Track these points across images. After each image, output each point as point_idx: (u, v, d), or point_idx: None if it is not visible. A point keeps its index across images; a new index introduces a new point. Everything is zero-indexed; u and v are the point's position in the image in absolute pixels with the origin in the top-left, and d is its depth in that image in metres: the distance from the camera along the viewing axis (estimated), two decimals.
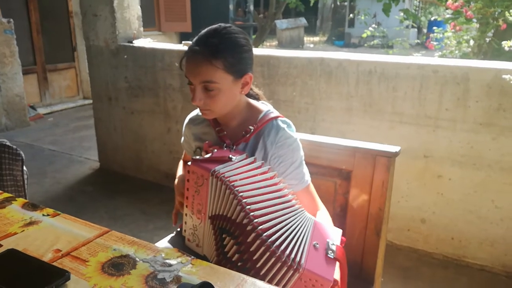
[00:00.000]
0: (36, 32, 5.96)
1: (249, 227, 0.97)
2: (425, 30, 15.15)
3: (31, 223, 1.04)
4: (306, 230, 1.01)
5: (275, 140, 1.18)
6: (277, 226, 0.98)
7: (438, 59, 2.43)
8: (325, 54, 2.52)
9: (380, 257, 1.35)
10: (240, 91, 1.18)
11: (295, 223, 1.01)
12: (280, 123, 1.21)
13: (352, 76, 2.39)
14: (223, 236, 1.04)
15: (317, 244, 0.99)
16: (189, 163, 1.07)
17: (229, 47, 1.12)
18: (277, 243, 0.95)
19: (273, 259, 0.94)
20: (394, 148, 1.28)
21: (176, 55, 3.07)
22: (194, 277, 0.84)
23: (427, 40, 5.93)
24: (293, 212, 1.04)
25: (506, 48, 3.53)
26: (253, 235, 0.96)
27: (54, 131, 5.07)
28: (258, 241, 0.96)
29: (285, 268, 0.93)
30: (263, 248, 0.95)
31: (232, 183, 1.01)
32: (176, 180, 1.30)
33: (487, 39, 4.67)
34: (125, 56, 3.30)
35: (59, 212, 1.10)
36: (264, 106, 1.28)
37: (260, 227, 0.96)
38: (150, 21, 7.66)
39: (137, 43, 3.31)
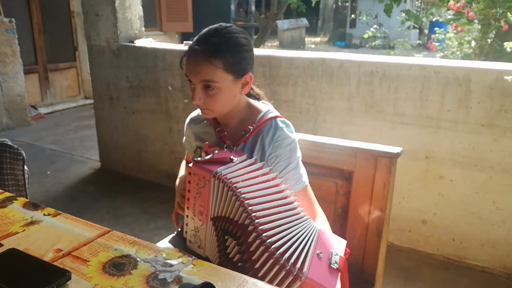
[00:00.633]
0: (37, 32, 5.96)
1: (250, 227, 0.97)
2: (426, 31, 15.14)
3: (32, 223, 1.04)
4: (310, 238, 1.00)
5: (273, 140, 1.18)
6: (278, 228, 0.98)
7: (440, 60, 2.43)
8: (327, 55, 2.52)
9: (381, 258, 1.34)
10: (240, 90, 1.18)
11: (298, 229, 1.00)
12: (279, 123, 1.21)
13: (353, 76, 2.39)
14: (226, 237, 1.03)
15: (321, 253, 0.97)
16: (190, 164, 1.07)
17: (229, 47, 1.12)
18: (277, 245, 0.94)
19: (271, 261, 0.93)
20: (395, 149, 1.27)
21: (177, 55, 3.07)
22: (195, 278, 0.83)
23: (429, 41, 5.93)
24: (298, 219, 1.03)
25: (508, 49, 3.52)
26: (253, 235, 0.96)
27: (55, 131, 5.07)
28: (258, 241, 0.95)
29: (283, 273, 0.93)
30: (262, 248, 0.95)
31: (234, 185, 1.00)
32: (178, 181, 1.30)
33: (489, 40, 4.66)
34: (127, 56, 3.31)
35: (60, 212, 1.10)
36: (264, 106, 1.28)
37: (261, 227, 0.96)
38: (152, 21, 7.66)
39: (138, 43, 3.31)
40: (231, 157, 1.08)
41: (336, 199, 1.38)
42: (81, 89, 6.73)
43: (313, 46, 17.00)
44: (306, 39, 17.18)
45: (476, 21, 4.55)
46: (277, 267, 0.93)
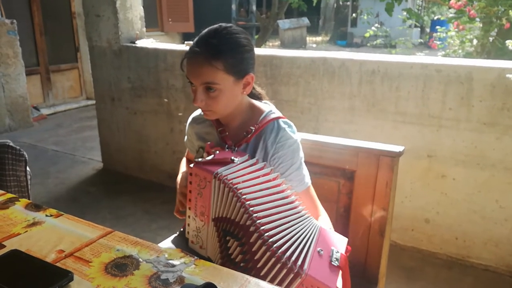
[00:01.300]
0: (39, 33, 5.97)
1: (252, 228, 0.97)
2: (428, 30, 15.12)
3: (34, 224, 1.04)
4: (311, 235, 1.00)
5: (275, 141, 1.18)
6: (279, 228, 0.98)
7: (442, 59, 2.43)
8: (328, 54, 2.52)
9: (384, 257, 1.34)
10: (242, 91, 1.18)
11: (299, 227, 1.01)
12: (281, 123, 1.21)
13: (355, 76, 2.38)
14: (227, 238, 1.03)
15: (322, 250, 0.98)
16: (192, 165, 1.07)
17: (229, 48, 1.12)
18: (278, 244, 0.95)
19: (273, 260, 0.94)
20: (398, 148, 1.27)
21: (178, 56, 3.07)
22: (197, 278, 0.83)
23: (430, 39, 5.92)
24: (299, 217, 1.03)
25: (510, 47, 3.52)
26: (255, 235, 0.96)
27: (57, 132, 5.08)
28: (259, 241, 0.95)
29: (284, 271, 0.93)
30: (264, 248, 0.95)
31: (235, 186, 1.00)
32: (179, 176, 1.29)
33: (491, 38, 4.65)
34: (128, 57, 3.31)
35: (62, 213, 1.10)
36: (266, 106, 1.27)
37: (263, 227, 0.96)
38: (153, 21, 7.67)
39: (139, 43, 3.31)
40: (232, 157, 1.08)
41: (338, 198, 1.38)
42: (83, 90, 6.74)
43: (314, 45, 16.99)
44: (307, 38, 17.17)
45: (477, 19, 4.54)
46: (279, 265, 0.93)
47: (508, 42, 3.85)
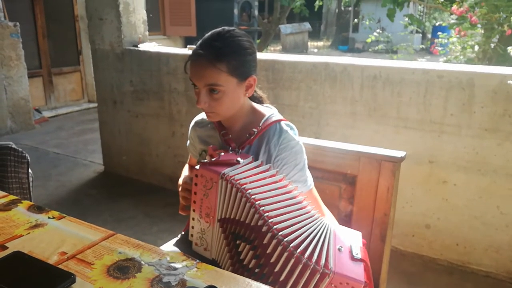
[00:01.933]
0: (42, 36, 6.00)
1: (264, 228, 0.95)
2: (429, 36, 15.15)
3: (36, 226, 1.04)
4: (327, 233, 0.99)
5: (278, 143, 1.19)
6: (293, 227, 0.96)
7: (443, 64, 2.43)
8: (330, 59, 2.52)
9: (385, 263, 1.34)
10: (245, 93, 1.19)
11: (312, 226, 0.99)
12: (283, 126, 1.23)
13: (356, 81, 2.39)
14: (237, 242, 1.02)
15: (341, 247, 0.96)
16: (197, 166, 1.07)
17: (232, 50, 1.13)
18: (295, 243, 0.92)
19: (292, 261, 0.91)
20: (399, 153, 1.27)
21: (181, 59, 3.09)
22: (199, 281, 0.84)
23: (432, 45, 5.94)
24: (310, 217, 1.01)
25: (511, 54, 3.52)
26: (269, 235, 0.94)
27: (59, 134, 5.09)
28: (274, 242, 0.93)
29: (308, 272, 0.91)
30: (280, 248, 0.92)
31: (243, 186, 1.00)
32: (183, 178, 1.29)
33: (492, 45, 4.66)
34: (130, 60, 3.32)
35: (65, 215, 1.10)
36: (268, 109, 1.29)
37: (275, 226, 0.94)
38: (155, 25, 7.69)
39: (142, 47, 3.32)
40: (238, 158, 1.08)
41: (339, 203, 1.38)
42: (84, 92, 6.76)
43: (316, 50, 17.02)
44: (309, 43, 17.21)
45: (479, 25, 4.55)
46: (300, 266, 0.91)
47: (509, 48, 3.86)
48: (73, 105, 6.50)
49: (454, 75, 2.15)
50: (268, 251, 0.94)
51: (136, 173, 3.62)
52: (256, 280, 0.84)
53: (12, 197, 1.21)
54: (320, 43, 19.11)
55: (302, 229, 0.97)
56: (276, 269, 0.93)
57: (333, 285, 0.90)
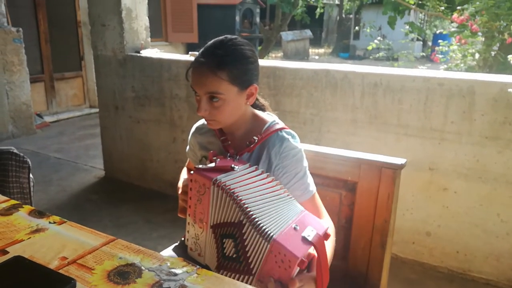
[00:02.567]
0: (44, 41, 6.03)
1: (244, 220, 0.99)
2: (430, 43, 15.20)
3: (37, 230, 1.04)
4: (290, 213, 1.02)
5: (279, 151, 1.19)
6: (265, 210, 1.00)
7: (444, 72, 2.44)
8: (331, 66, 2.53)
9: (385, 270, 1.34)
10: (245, 102, 1.20)
11: (281, 209, 1.03)
12: (284, 134, 1.22)
13: (357, 88, 2.40)
14: (223, 241, 1.04)
15: (297, 226, 0.98)
16: (192, 172, 1.08)
17: (234, 59, 1.13)
18: (262, 221, 0.97)
19: (254, 233, 0.97)
20: (400, 160, 1.28)
21: (182, 66, 3.10)
22: (200, 287, 0.84)
23: (432, 53, 5.95)
24: (283, 201, 1.05)
25: None
26: (247, 224, 0.98)
27: (60, 139, 5.10)
28: (249, 226, 0.98)
29: (259, 239, 0.96)
30: (251, 227, 0.97)
31: (232, 191, 1.01)
32: (182, 181, 1.29)
33: (493, 53, 4.68)
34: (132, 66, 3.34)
35: (65, 220, 1.10)
36: (269, 117, 1.29)
37: (253, 215, 0.98)
38: (157, 31, 7.74)
39: (144, 53, 3.34)
40: (233, 165, 1.09)
41: (340, 209, 1.38)
42: (86, 98, 6.78)
43: (317, 57, 17.08)
44: (310, 50, 17.28)
45: (479, 33, 4.57)
46: (258, 237, 0.96)
47: (510, 56, 3.87)
48: (74, 110, 6.52)
49: (455, 83, 2.15)
50: (244, 237, 0.99)
51: (137, 178, 3.62)
52: (232, 264, 0.90)
53: (13, 201, 1.21)
54: (321, 50, 19.18)
55: (272, 211, 1.01)
56: (246, 244, 0.99)
57: (273, 253, 0.94)
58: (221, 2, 9.95)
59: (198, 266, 0.91)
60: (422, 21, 14.72)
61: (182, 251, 1.32)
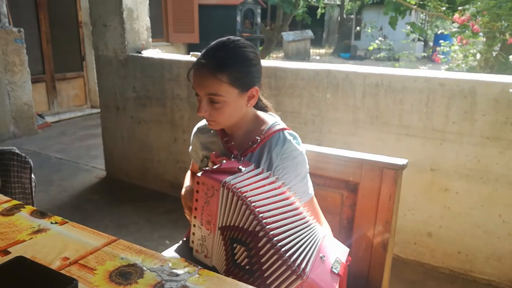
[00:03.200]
0: (45, 42, 6.03)
1: (261, 233, 0.98)
2: (431, 44, 15.18)
3: (39, 231, 1.05)
4: (316, 241, 1.02)
5: (281, 152, 1.19)
6: (287, 233, 0.99)
7: (445, 73, 2.44)
8: (332, 66, 2.53)
9: (386, 271, 1.34)
10: (246, 103, 1.19)
11: (305, 232, 1.02)
12: (286, 135, 1.22)
13: (358, 88, 2.40)
14: (234, 245, 1.04)
15: (324, 257, 0.99)
16: (199, 174, 1.08)
17: (235, 61, 1.13)
18: (286, 247, 0.96)
19: (279, 262, 0.96)
20: (401, 161, 1.27)
21: (183, 66, 3.10)
22: (201, 287, 0.84)
23: (434, 53, 5.94)
24: (305, 224, 1.04)
25: None
26: (264, 240, 0.97)
27: (61, 140, 5.11)
28: (268, 245, 0.97)
29: (288, 272, 0.95)
30: (272, 251, 0.96)
31: (244, 194, 1.01)
32: (183, 191, 1.30)
33: (494, 53, 4.67)
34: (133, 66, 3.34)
35: (67, 220, 1.10)
36: (271, 118, 1.29)
37: (272, 232, 0.97)
38: (159, 32, 7.75)
39: (145, 53, 3.34)
40: (240, 167, 1.09)
41: (341, 210, 1.38)
42: (87, 98, 6.79)
43: (318, 57, 17.07)
44: (311, 50, 17.27)
45: (481, 34, 4.56)
46: (284, 267, 0.95)
47: (511, 57, 3.87)
48: (76, 110, 6.53)
49: (456, 83, 2.15)
50: (261, 252, 0.98)
51: (138, 179, 3.62)
52: (245, 275, 0.88)
53: (15, 202, 1.22)
54: (322, 51, 19.17)
55: (295, 234, 1.00)
56: (264, 267, 0.98)
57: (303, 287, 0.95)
58: (222, 3, 9.95)
59: (200, 267, 0.91)
60: (423, 22, 14.70)
61: (184, 252, 1.32)
